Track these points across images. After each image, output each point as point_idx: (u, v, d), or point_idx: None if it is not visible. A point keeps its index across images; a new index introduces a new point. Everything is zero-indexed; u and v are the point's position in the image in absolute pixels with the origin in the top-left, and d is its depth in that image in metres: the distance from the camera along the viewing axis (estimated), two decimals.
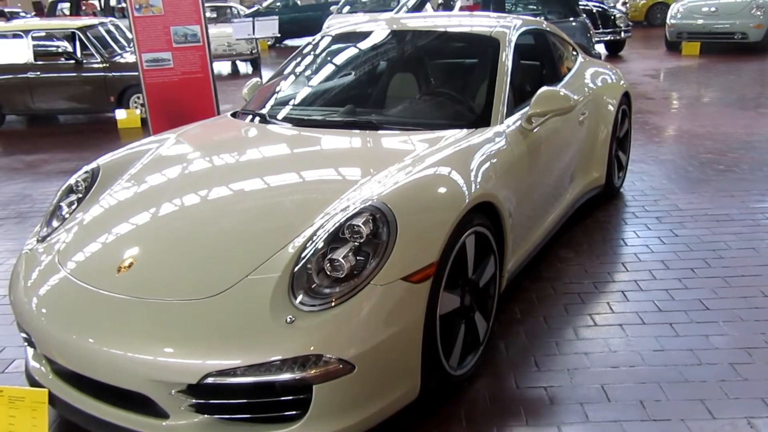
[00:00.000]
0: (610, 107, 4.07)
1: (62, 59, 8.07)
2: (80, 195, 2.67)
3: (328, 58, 3.62)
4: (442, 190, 2.28)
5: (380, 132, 2.84)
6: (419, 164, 2.39)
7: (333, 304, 1.91)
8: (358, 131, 2.86)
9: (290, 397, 1.87)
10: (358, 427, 1.95)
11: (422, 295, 2.05)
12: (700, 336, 2.72)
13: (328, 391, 1.86)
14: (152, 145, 3.01)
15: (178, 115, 5.17)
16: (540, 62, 3.83)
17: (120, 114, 7.94)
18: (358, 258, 2.00)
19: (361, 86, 3.44)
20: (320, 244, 2.04)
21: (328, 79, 3.51)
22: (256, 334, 1.87)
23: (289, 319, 1.88)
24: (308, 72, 3.58)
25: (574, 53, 4.27)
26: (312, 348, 1.83)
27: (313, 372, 1.84)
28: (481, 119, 2.87)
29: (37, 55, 8.07)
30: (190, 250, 2.19)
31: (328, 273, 1.98)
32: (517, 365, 2.59)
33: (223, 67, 14.29)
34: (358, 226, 2.04)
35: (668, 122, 6.90)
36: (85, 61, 7.99)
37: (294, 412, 1.89)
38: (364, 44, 3.63)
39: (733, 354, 2.59)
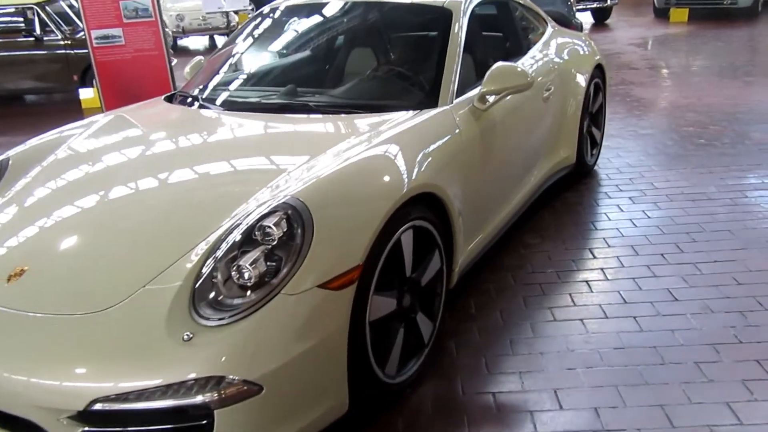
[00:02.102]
0: (581, 81, 3.82)
1: (21, 36, 7.71)
2: None
3: (273, 34, 3.34)
4: (371, 181, 2.05)
5: (315, 116, 2.58)
6: (348, 153, 2.15)
7: (238, 317, 1.69)
8: (292, 116, 2.61)
9: (189, 424, 1.66)
10: None
11: (344, 302, 1.83)
12: (665, 331, 2.52)
13: (232, 415, 1.65)
14: (73, 132, 2.75)
15: (132, 96, 4.86)
16: (503, 34, 3.56)
17: (84, 93, 7.61)
18: (269, 263, 1.78)
19: (304, 65, 3.18)
20: (229, 248, 1.82)
21: (271, 56, 3.24)
22: (149, 354, 1.65)
23: (186, 336, 1.65)
24: (252, 49, 3.31)
25: (543, 23, 3.99)
26: (211, 369, 1.62)
27: (212, 396, 1.62)
28: (427, 99, 2.62)
29: None
30: (88, 257, 1.96)
31: (236, 281, 1.76)
32: (465, 368, 2.38)
33: (200, 42, 13.88)
34: (269, 227, 1.81)
35: (651, 93, 6.64)
36: (45, 38, 7.64)
37: None
38: (312, 18, 3.35)
39: (700, 351, 2.39)
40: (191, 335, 1.66)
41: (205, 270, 1.78)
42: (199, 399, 1.62)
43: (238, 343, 1.65)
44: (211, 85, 3.01)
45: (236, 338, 1.65)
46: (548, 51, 3.67)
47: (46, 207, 2.22)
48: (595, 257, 3.17)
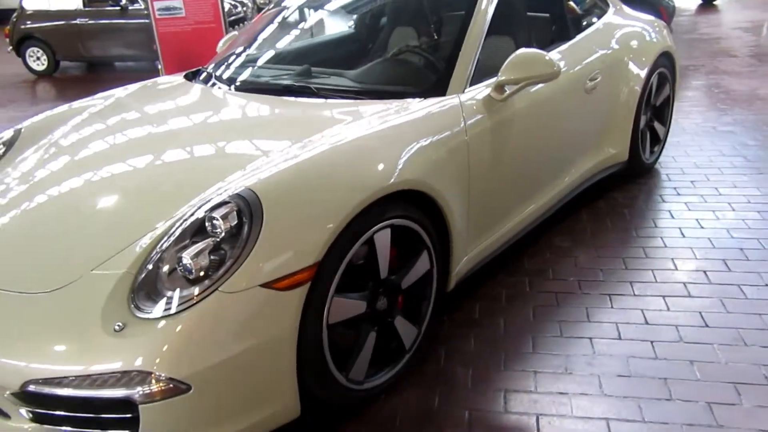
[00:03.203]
0: (639, 71, 3.45)
1: (108, 5, 8.06)
2: None
3: (299, 13, 3.23)
4: (341, 174, 1.90)
5: (314, 101, 2.45)
6: (325, 141, 2.01)
7: (173, 312, 1.62)
8: (293, 99, 2.49)
9: (116, 416, 1.62)
10: None
11: (292, 304, 1.71)
12: (682, 362, 2.23)
13: (158, 412, 1.59)
14: (89, 105, 2.78)
15: (190, 67, 4.95)
16: (550, 15, 3.26)
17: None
18: (212, 257, 1.69)
19: (324, 45, 3.05)
20: (178, 238, 1.75)
21: (293, 35, 3.13)
22: (80, 341, 1.61)
23: (117, 327, 1.60)
24: (277, 27, 3.21)
25: (603, 4, 3.63)
26: (137, 363, 1.56)
27: (137, 391, 1.57)
28: (435, 86, 2.42)
29: (86, 0, 8.10)
30: (46, 235, 1.95)
31: (181, 274, 1.69)
32: (449, 379, 2.22)
33: None
34: (216, 219, 1.72)
35: (744, 86, 5.99)
36: (130, 7, 7.95)
37: (126, 431, 1.64)
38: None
39: (718, 390, 2.08)
40: (122, 326, 1.61)
41: (154, 258, 1.73)
42: (122, 392, 1.57)
43: (167, 339, 1.58)
44: (228, 63, 2.95)
45: (167, 334, 1.58)
46: (601, 36, 3.33)
47: (24, 182, 2.24)
48: (626, 268, 2.87)
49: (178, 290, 1.66)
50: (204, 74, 2.96)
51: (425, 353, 2.34)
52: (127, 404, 1.59)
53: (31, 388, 1.62)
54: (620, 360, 2.26)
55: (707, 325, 2.43)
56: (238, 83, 2.74)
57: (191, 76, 3.03)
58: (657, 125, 3.86)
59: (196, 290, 1.63)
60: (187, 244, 1.74)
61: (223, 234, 1.71)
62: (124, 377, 1.57)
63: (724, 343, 2.32)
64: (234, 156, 2.13)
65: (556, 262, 2.96)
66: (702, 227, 3.21)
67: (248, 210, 1.71)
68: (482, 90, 2.47)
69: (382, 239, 1.97)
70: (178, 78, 2.98)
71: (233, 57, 2.99)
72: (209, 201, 1.79)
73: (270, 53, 3.04)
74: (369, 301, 2.00)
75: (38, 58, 8.31)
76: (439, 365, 2.30)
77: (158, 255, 1.72)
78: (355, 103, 2.39)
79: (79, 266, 1.77)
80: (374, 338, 2.04)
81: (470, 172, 2.32)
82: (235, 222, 1.71)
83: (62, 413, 1.65)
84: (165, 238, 1.76)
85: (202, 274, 1.67)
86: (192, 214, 1.78)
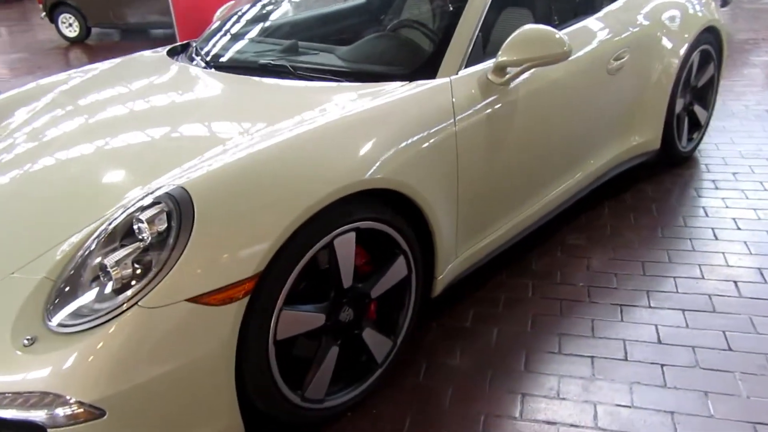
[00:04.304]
0: (675, 48, 3.06)
1: None
2: None
3: None
4: (293, 172, 1.65)
5: (289, 82, 2.20)
6: (280, 133, 1.78)
7: (88, 327, 1.43)
8: (268, 80, 2.25)
9: None
10: None
11: (227, 320, 1.51)
12: (693, 392, 1.93)
13: None
14: (60, 81, 2.61)
15: (205, 25, 4.76)
16: None
17: None
18: (136, 266, 1.49)
19: (324, 19, 2.79)
20: (105, 241, 1.56)
21: (293, 6, 2.87)
22: None
23: (26, 341, 1.43)
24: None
25: None
26: (40, 385, 1.39)
27: (44, 414, 1.41)
28: (425, 68, 2.14)
29: None
30: None
31: (104, 283, 1.50)
32: (424, 397, 1.99)
33: None
34: (143, 222, 1.52)
35: None
36: None
37: None
38: None
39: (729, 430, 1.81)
40: (32, 340, 1.43)
41: (74, 264, 1.55)
42: (28, 415, 1.41)
43: (78, 359, 1.40)
44: (215, 37, 2.73)
45: (79, 352, 1.40)
46: (632, 9, 2.95)
47: None
48: (645, 274, 2.56)
49: (96, 302, 1.47)
50: (189, 49, 2.75)
51: (405, 364, 2.12)
52: (37, 428, 1.43)
53: None
54: (622, 386, 1.98)
55: (730, 348, 2.12)
56: (217, 61, 2.51)
57: (177, 51, 2.83)
58: (698, 109, 3.46)
59: (115, 303, 1.44)
60: (116, 247, 1.55)
61: (149, 239, 1.51)
62: (32, 398, 1.41)
63: (748, 372, 2.01)
64: (188, 144, 1.91)
65: (567, 263, 2.67)
66: (739, 228, 2.85)
67: (178, 213, 1.50)
68: (480, 72, 2.17)
69: (345, 244, 1.74)
70: (161, 53, 2.78)
71: (221, 30, 2.77)
72: (142, 199, 1.59)
73: (262, 26, 2.79)
74: (330, 312, 1.78)
75: (70, 25, 8.29)
76: (417, 379, 2.07)
77: (81, 260, 1.54)
78: (332, 87, 2.13)
79: (3, 266, 1.60)
80: (336, 353, 1.83)
81: (459, 167, 2.05)
82: (164, 226, 1.51)
83: None
84: (90, 241, 1.57)
85: (124, 283, 1.48)
86: (122, 214, 1.59)
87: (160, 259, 1.47)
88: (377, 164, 1.79)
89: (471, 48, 2.19)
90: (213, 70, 2.44)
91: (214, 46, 2.64)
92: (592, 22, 2.74)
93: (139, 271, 1.48)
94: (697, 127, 3.53)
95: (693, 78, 3.31)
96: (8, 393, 1.41)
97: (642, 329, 2.24)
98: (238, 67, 2.41)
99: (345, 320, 1.83)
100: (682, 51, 3.09)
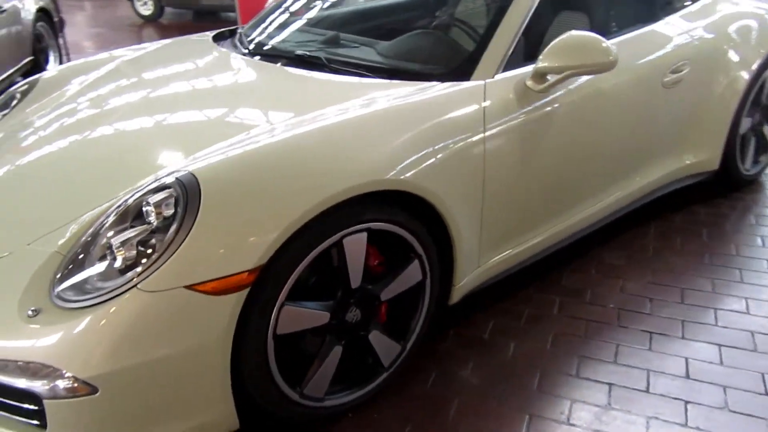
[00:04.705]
0: (743, 63, 2.86)
1: None
2: (6, 111, 2.45)
3: None
4: (305, 167, 1.63)
5: (321, 75, 2.17)
6: (300, 126, 1.75)
7: (90, 304, 1.45)
8: (301, 72, 2.23)
9: (23, 405, 1.50)
10: None
11: (224, 310, 1.50)
12: None
13: (63, 410, 1.46)
14: (106, 60, 2.68)
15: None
16: None
17: None
18: (140, 249, 1.51)
19: (377, 10, 2.75)
20: (119, 220, 1.58)
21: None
22: None
23: (31, 312, 1.47)
24: None
25: None
26: (38, 356, 1.42)
27: (41, 384, 1.44)
28: (460, 70, 2.07)
29: None
30: (13, 199, 1.84)
31: (111, 262, 1.53)
32: (430, 408, 1.93)
33: None
34: (150, 205, 1.53)
35: None
36: None
37: (36, 423, 1.52)
38: None
39: None
40: (36, 312, 1.47)
41: (84, 241, 1.58)
42: (26, 383, 1.45)
43: (77, 335, 1.42)
44: (259, 25, 2.73)
45: (77, 328, 1.43)
46: (698, 18, 2.77)
47: (15, 140, 2.15)
48: (683, 302, 2.42)
49: (101, 280, 1.50)
50: (235, 35, 2.77)
51: (415, 371, 2.07)
52: (34, 396, 1.47)
53: None
54: (638, 419, 1.87)
55: (767, 393, 1.97)
56: (257, 48, 2.51)
57: (225, 36, 2.86)
58: (767, 129, 3.24)
59: (117, 284, 1.46)
60: (126, 228, 1.57)
61: (155, 223, 1.52)
62: (30, 368, 1.45)
63: None
64: (211, 130, 1.92)
65: (600, 282, 2.55)
66: None
67: (184, 199, 1.51)
68: (518, 77, 2.09)
69: (354, 244, 1.71)
70: (207, 37, 2.81)
71: (268, 18, 2.77)
72: (154, 182, 1.61)
73: (308, 15, 2.79)
74: (335, 311, 1.76)
75: (145, 3, 8.58)
76: (425, 387, 2.02)
77: (90, 237, 1.57)
78: (361, 82, 2.09)
79: (19, 237, 1.65)
80: (339, 353, 1.80)
81: (486, 176, 1.98)
82: (171, 211, 1.52)
83: None
84: (102, 219, 1.60)
85: (128, 264, 1.49)
86: (135, 195, 1.60)
87: (163, 244, 1.48)
88: (398, 165, 1.75)
89: (511, 51, 2.10)
90: (251, 57, 2.44)
91: (257, 33, 2.65)
92: (651, 31, 2.60)
93: (143, 254, 1.50)
94: (764, 148, 3.30)
95: (765, 97, 3.10)
96: (9, 360, 1.45)
97: (670, 361, 2.11)
98: (277, 56, 2.40)
99: (351, 321, 1.80)
100: (754, 66, 2.89)
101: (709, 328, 2.27)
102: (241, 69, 2.36)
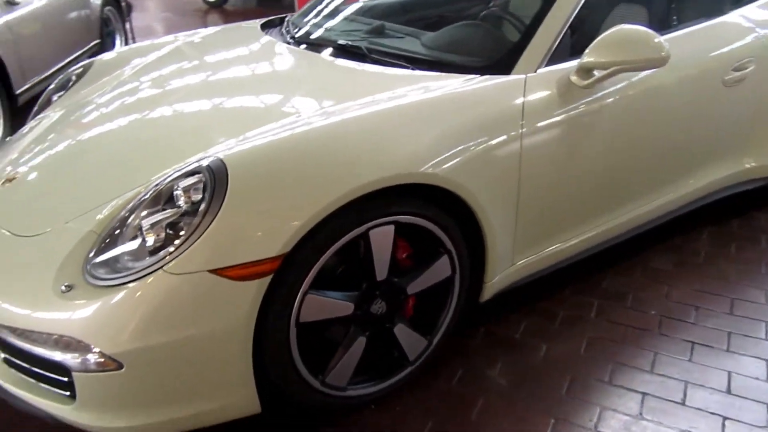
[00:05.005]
0: None
1: None
2: (61, 93, 2.55)
3: None
4: (333, 158, 1.62)
5: (358, 65, 2.15)
6: (338, 115, 1.75)
7: (120, 283, 1.50)
8: (339, 61, 2.23)
9: (55, 376, 1.57)
10: (142, 430, 1.58)
11: (247, 296, 1.52)
12: None
13: (91, 383, 1.51)
14: (159, 45, 2.75)
15: None
16: None
17: None
18: (169, 232, 1.54)
19: (416, 1, 2.71)
20: (152, 202, 1.62)
21: None
22: (33, 294, 1.56)
23: (64, 288, 1.53)
24: None
25: None
26: (69, 330, 1.48)
27: (70, 357, 1.50)
28: (500, 62, 2.02)
29: None
30: (59, 177, 1.92)
31: (143, 243, 1.57)
32: (453, 406, 1.91)
33: None
34: (179, 189, 1.56)
35: None
36: None
37: (67, 393, 1.59)
38: None
39: None
40: (69, 288, 1.53)
41: (118, 221, 1.62)
42: (57, 356, 1.52)
43: (105, 312, 1.47)
44: (307, 14, 2.74)
45: (106, 306, 1.48)
46: (763, 13, 2.61)
47: (68, 120, 2.24)
48: (731, 313, 2.30)
49: (131, 260, 1.54)
50: (283, 23, 2.79)
51: (441, 367, 2.05)
52: (64, 368, 1.53)
53: None
54: None
55: None
56: (302, 37, 2.51)
57: (275, 23, 2.88)
58: None
59: (144, 264, 1.50)
60: (158, 210, 1.61)
61: (184, 207, 1.55)
62: (62, 341, 1.51)
63: None
64: (248, 118, 1.94)
65: (644, 287, 2.45)
66: None
67: (212, 184, 1.53)
68: (562, 72, 2.02)
69: (381, 237, 1.70)
70: (256, 25, 2.84)
71: (315, 6, 2.78)
72: (187, 167, 1.64)
73: (356, 4, 2.77)
74: (359, 302, 1.76)
75: None
76: (450, 384, 2.00)
77: (123, 218, 1.62)
78: (399, 73, 2.06)
79: (59, 215, 1.72)
80: (363, 344, 1.80)
81: (522, 173, 1.92)
82: (199, 196, 1.54)
83: (17, 360, 1.64)
84: (136, 200, 1.64)
85: (157, 246, 1.53)
86: (168, 179, 1.64)
87: (189, 228, 1.51)
88: (429, 159, 1.73)
89: (556, 44, 2.03)
90: (296, 46, 2.45)
91: (304, 21, 2.65)
92: (714, 25, 2.47)
93: (171, 237, 1.53)
94: None
95: None
96: (43, 332, 1.52)
97: (711, 374, 2.01)
98: (320, 45, 2.40)
99: (376, 313, 1.80)
100: None
101: (758, 342, 2.15)
102: (283, 58, 2.37)
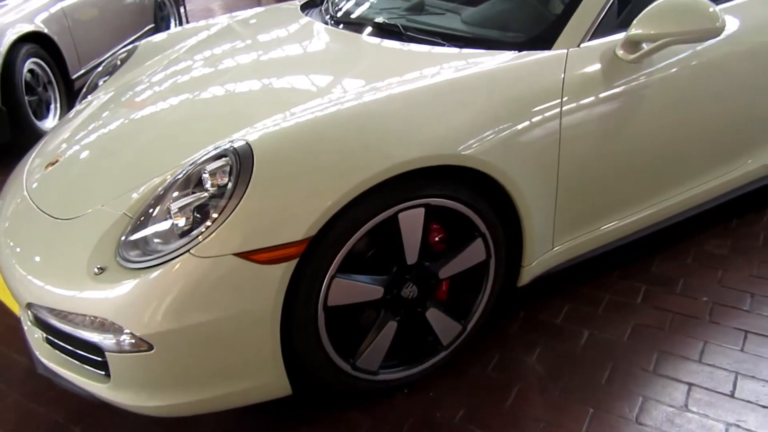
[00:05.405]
0: None
1: None
2: (106, 78, 2.60)
3: None
4: (361, 140, 1.58)
5: (393, 44, 2.09)
6: (362, 97, 1.70)
7: (150, 265, 1.52)
8: (376, 40, 2.17)
9: (89, 355, 1.62)
10: (172, 410, 1.61)
11: (273, 280, 1.51)
12: None
13: (124, 363, 1.55)
14: (202, 27, 2.76)
15: None
16: None
17: None
18: (196, 215, 1.55)
19: None
20: (183, 184, 1.63)
21: None
22: (68, 276, 1.60)
23: (97, 270, 1.56)
24: None
25: None
26: (101, 311, 1.51)
27: (104, 337, 1.54)
28: (540, 37, 1.92)
29: None
30: (99, 160, 1.95)
31: (173, 226, 1.58)
32: (487, 393, 1.87)
33: None
34: (206, 173, 1.56)
35: None
36: None
37: (102, 373, 1.63)
38: None
39: None
40: (101, 270, 1.56)
41: (149, 204, 1.64)
42: (91, 336, 1.55)
43: (135, 294, 1.49)
44: None
45: (137, 287, 1.50)
46: None
47: (116, 103, 2.28)
48: None
49: (161, 243, 1.56)
50: (322, 3, 2.75)
51: (477, 352, 2.01)
52: (99, 348, 1.57)
53: (34, 308, 1.68)
54: (716, 425, 1.71)
55: None
56: (340, 17, 2.47)
57: (316, 3, 2.85)
58: None
59: (172, 247, 1.52)
60: (187, 194, 1.62)
61: (211, 190, 1.55)
62: (95, 321, 1.55)
63: None
64: (280, 99, 1.92)
65: (695, 272, 2.33)
66: None
67: (237, 168, 1.52)
68: (606, 45, 1.91)
69: (410, 220, 1.66)
70: (295, 6, 2.81)
71: None
72: (215, 150, 1.64)
73: None
74: (389, 286, 1.73)
75: None
76: (485, 371, 1.96)
77: (154, 201, 1.63)
78: (435, 51, 2.00)
79: (96, 198, 1.75)
80: (394, 328, 1.77)
81: (561, 154, 1.84)
82: (225, 180, 1.54)
83: (56, 340, 1.70)
84: (167, 183, 1.66)
85: (185, 230, 1.54)
86: (197, 162, 1.64)
87: (215, 211, 1.51)
88: (462, 140, 1.67)
89: (602, 16, 1.92)
90: (334, 26, 2.42)
91: (342, 1, 2.61)
92: None
93: (198, 220, 1.54)
94: None
95: None
96: (77, 313, 1.56)
97: (764, 365, 1.90)
98: (358, 24, 2.35)
99: (407, 297, 1.77)
100: None
101: None
102: (319, 39, 2.33)
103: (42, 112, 4.18)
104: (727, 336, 2.02)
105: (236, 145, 1.57)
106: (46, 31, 4.17)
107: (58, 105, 4.32)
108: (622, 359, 1.96)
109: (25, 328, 1.80)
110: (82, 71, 4.58)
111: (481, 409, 1.82)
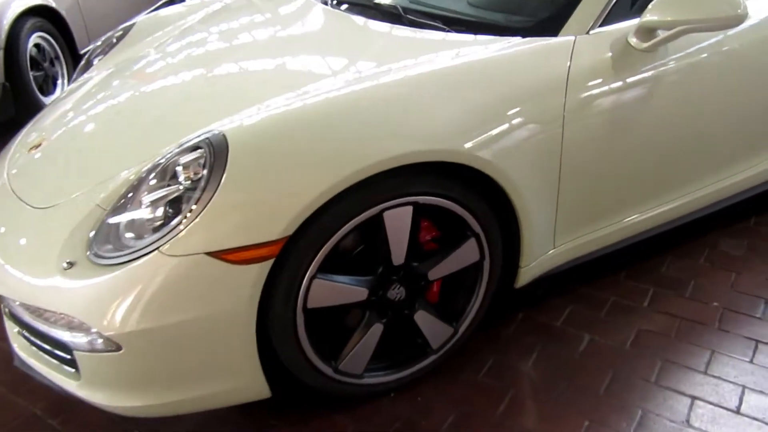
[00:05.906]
0: None
1: None
2: (101, 57, 2.52)
3: None
4: (344, 133, 1.48)
5: (390, 28, 1.97)
6: (348, 86, 1.59)
7: (119, 262, 1.44)
8: (373, 23, 2.05)
9: (57, 352, 1.56)
10: (144, 410, 1.54)
11: (247, 281, 1.43)
12: None
13: (92, 363, 1.48)
14: (200, 7, 2.66)
15: None
16: None
17: None
18: (168, 210, 1.47)
19: None
20: (154, 176, 1.54)
21: None
22: (38, 268, 1.53)
23: (65, 265, 1.49)
24: None
25: None
26: (66, 308, 1.45)
27: (71, 335, 1.48)
28: (547, 23, 1.79)
29: None
30: (80, 147, 1.87)
31: (146, 220, 1.50)
32: (476, 401, 1.78)
33: None
34: (179, 165, 1.47)
35: None
36: None
37: (73, 370, 1.57)
38: None
39: None
40: (70, 264, 1.48)
41: (122, 197, 1.56)
42: (58, 333, 1.49)
43: (102, 292, 1.42)
44: None
45: (105, 285, 1.42)
46: None
47: (103, 84, 2.19)
48: None
49: (132, 239, 1.48)
50: None
51: (470, 356, 1.92)
52: (64, 346, 1.51)
53: (4, 301, 1.63)
54: None
55: None
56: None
57: None
58: None
59: (144, 243, 1.44)
60: (162, 186, 1.53)
61: (185, 184, 1.47)
62: (61, 318, 1.48)
63: None
64: (265, 86, 1.81)
65: (707, 274, 2.20)
66: None
67: (211, 161, 1.43)
68: (618, 32, 1.77)
69: (397, 219, 1.56)
70: None
71: None
72: (190, 141, 1.55)
73: None
74: (374, 288, 1.64)
75: None
76: (477, 376, 1.87)
77: (129, 193, 1.55)
78: (432, 37, 1.87)
79: (71, 187, 1.67)
80: (380, 331, 1.69)
81: (564, 149, 1.72)
82: (200, 173, 1.45)
83: (27, 334, 1.64)
84: (143, 173, 1.57)
85: (157, 225, 1.46)
86: (172, 154, 1.55)
87: (186, 207, 1.42)
88: (454, 134, 1.56)
89: (614, 1, 1.78)
90: (333, 7, 2.29)
91: None
92: None
93: (170, 216, 1.46)
94: None
95: None
96: (44, 309, 1.49)
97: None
98: (359, 5, 2.23)
99: (394, 299, 1.68)
100: None
101: None
102: (315, 21, 2.22)
103: (48, 88, 4.12)
104: (737, 345, 1.90)
105: (211, 135, 1.48)
106: (53, 4, 4.09)
107: (65, 81, 4.26)
108: (622, 368, 1.85)
109: (5, 316, 1.75)
110: (90, 47, 4.51)
111: (470, 417, 1.73)
